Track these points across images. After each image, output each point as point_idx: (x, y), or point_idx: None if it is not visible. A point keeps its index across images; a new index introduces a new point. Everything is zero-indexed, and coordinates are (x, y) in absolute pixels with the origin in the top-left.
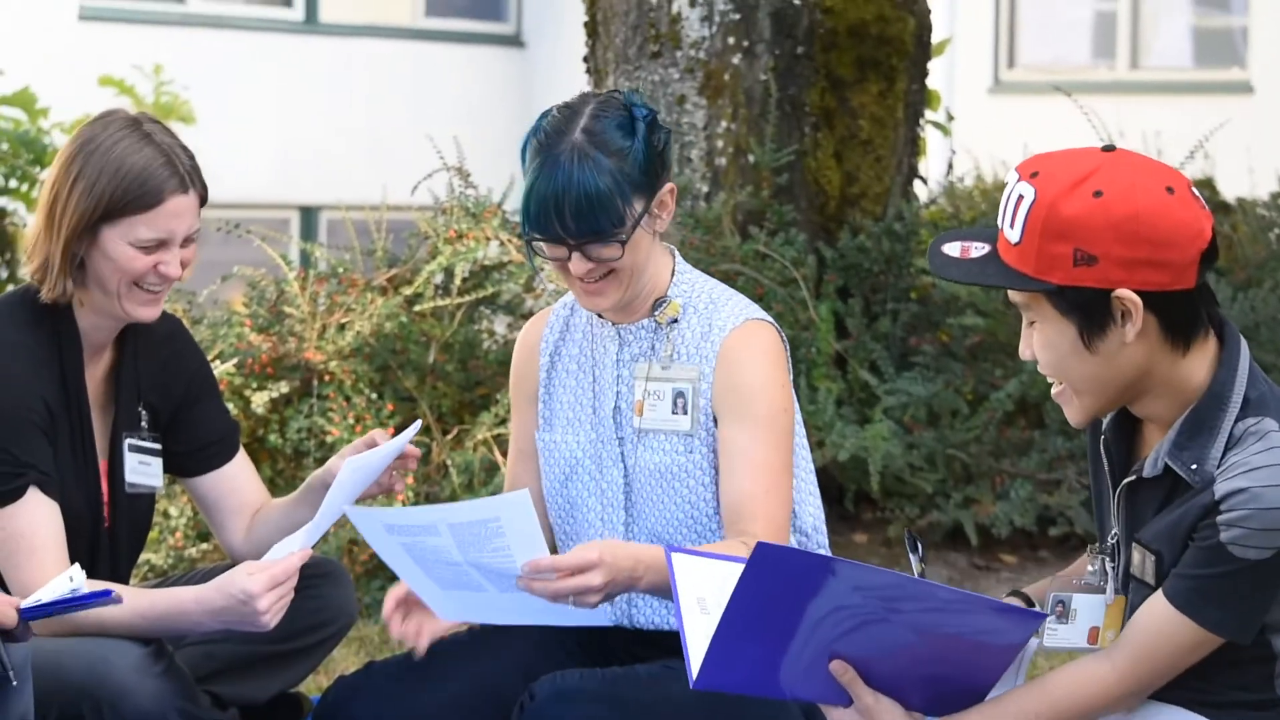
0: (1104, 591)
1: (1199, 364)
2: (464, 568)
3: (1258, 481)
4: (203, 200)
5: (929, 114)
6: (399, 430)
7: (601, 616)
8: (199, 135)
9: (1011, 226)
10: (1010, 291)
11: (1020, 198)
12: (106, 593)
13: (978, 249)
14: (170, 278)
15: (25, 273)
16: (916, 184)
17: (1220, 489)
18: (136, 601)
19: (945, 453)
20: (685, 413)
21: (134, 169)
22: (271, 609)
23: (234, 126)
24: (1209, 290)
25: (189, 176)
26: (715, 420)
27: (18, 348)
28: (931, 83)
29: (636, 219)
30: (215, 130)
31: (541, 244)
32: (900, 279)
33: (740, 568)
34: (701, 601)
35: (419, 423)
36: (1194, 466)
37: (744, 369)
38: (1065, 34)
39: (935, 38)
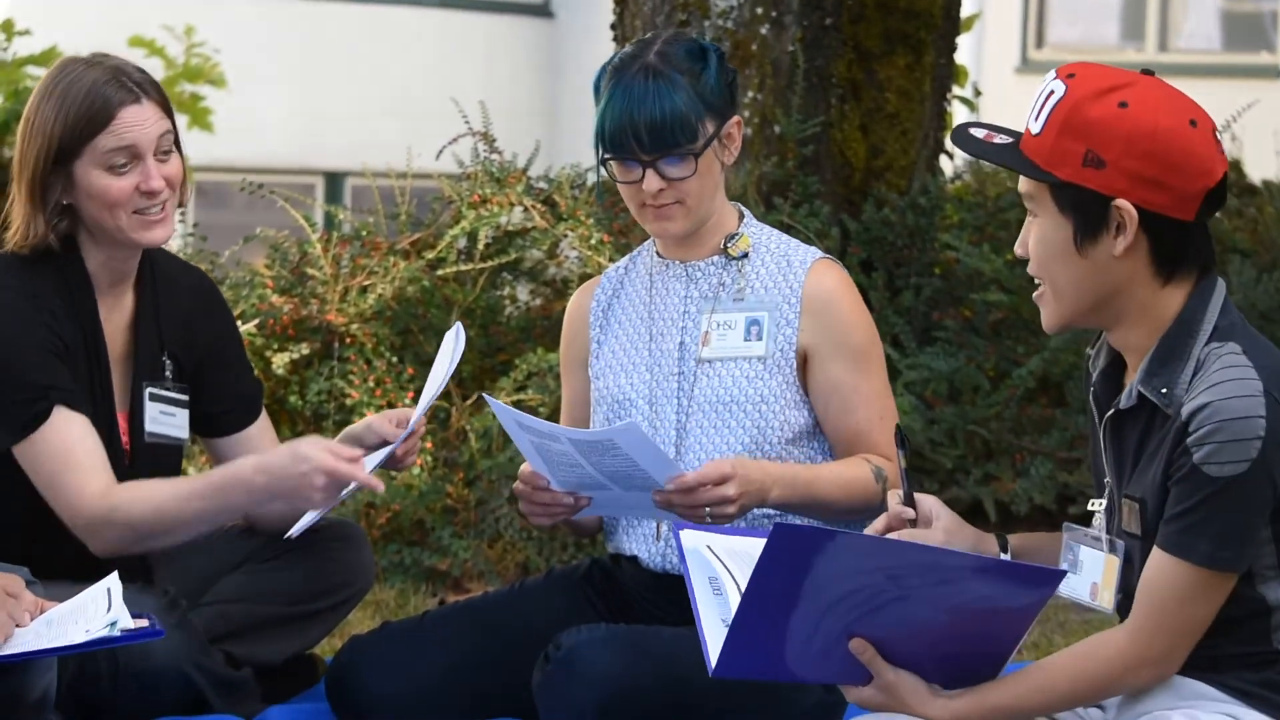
0: (1103, 547)
1: (1176, 297)
2: (586, 469)
3: (1220, 395)
4: (165, 109)
5: (956, 89)
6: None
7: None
8: (226, 99)
9: (1036, 118)
10: (1020, 183)
11: (1050, 93)
12: (158, 631)
13: (1001, 138)
14: (155, 191)
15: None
16: (942, 159)
17: (1186, 410)
18: (193, 485)
19: (966, 429)
20: (760, 339)
21: (80, 93)
22: (327, 485)
23: (261, 91)
24: (1207, 236)
25: (139, 87)
26: (804, 359)
27: (22, 290)
28: (959, 61)
29: (709, 138)
30: (242, 95)
31: (615, 166)
32: (924, 253)
33: (747, 539)
34: (714, 581)
35: (460, 328)
36: (1164, 391)
37: (835, 306)
38: (1094, 15)
39: (964, 13)
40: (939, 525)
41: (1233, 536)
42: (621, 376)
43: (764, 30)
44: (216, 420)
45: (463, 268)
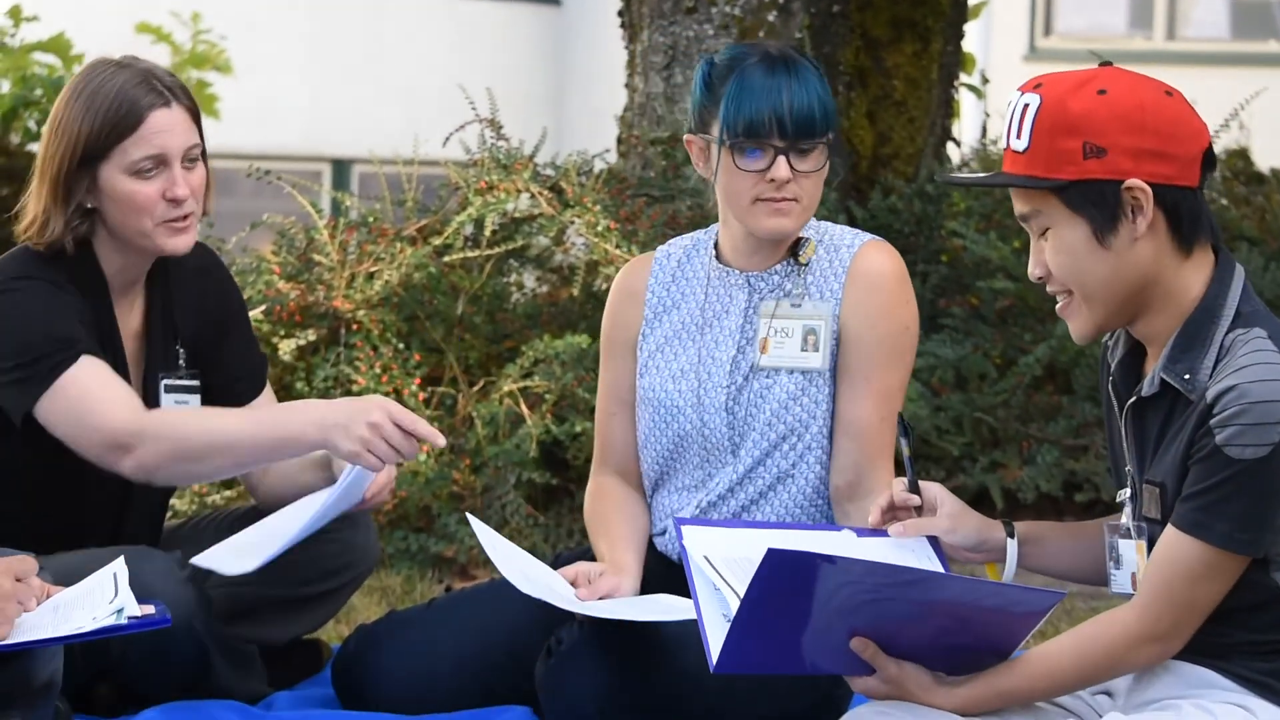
0: (1133, 536)
1: (1197, 275)
2: (540, 585)
3: (1246, 378)
4: (194, 115)
5: (963, 77)
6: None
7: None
8: (233, 85)
9: (1018, 136)
10: (1017, 206)
11: (1026, 106)
12: (165, 620)
13: (984, 175)
14: (180, 199)
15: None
16: (949, 146)
17: (1211, 393)
18: (246, 417)
19: (973, 416)
20: (816, 350)
21: (109, 95)
22: (379, 432)
23: (268, 78)
24: (1206, 204)
25: (169, 91)
26: (840, 339)
27: (48, 278)
28: (967, 49)
29: (832, 141)
30: (249, 81)
31: (735, 155)
32: (931, 241)
33: (748, 532)
34: (713, 579)
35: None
36: (1187, 376)
37: (875, 287)
38: (1102, 3)
39: (971, 1)
40: (944, 512)
41: (1251, 519)
42: (669, 382)
43: (771, 18)
44: (224, 393)
45: (469, 254)
